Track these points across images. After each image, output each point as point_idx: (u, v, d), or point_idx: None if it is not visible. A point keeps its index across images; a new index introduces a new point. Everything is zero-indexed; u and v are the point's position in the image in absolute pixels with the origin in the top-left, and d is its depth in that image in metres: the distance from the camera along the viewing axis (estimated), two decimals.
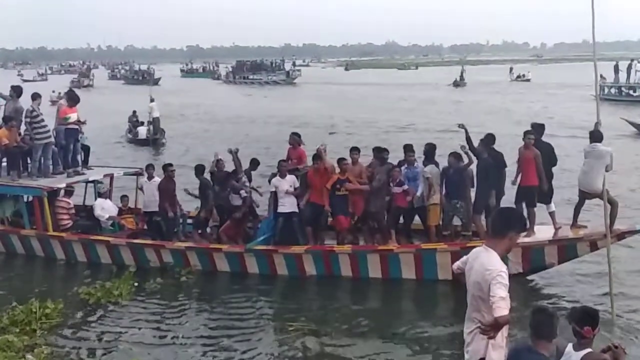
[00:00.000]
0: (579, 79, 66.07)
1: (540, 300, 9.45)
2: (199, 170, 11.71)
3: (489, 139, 10.42)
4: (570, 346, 4.49)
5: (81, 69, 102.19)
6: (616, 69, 42.94)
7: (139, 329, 8.72)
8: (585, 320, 4.43)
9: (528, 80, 69.06)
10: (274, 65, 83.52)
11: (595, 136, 9.36)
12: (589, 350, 4.39)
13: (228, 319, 9.10)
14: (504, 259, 9.53)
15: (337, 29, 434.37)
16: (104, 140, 26.39)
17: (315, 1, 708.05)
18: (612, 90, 41.57)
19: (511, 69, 76.60)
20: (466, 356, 4.70)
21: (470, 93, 53.28)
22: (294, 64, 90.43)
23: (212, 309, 9.50)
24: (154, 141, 25.90)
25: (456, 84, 63.36)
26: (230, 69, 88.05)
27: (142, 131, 26.62)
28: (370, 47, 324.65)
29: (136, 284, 10.12)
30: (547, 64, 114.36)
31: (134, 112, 28.55)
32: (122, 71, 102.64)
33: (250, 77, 79.36)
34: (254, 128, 32.51)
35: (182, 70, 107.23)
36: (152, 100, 26.03)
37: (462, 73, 65.63)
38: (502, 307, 4.19)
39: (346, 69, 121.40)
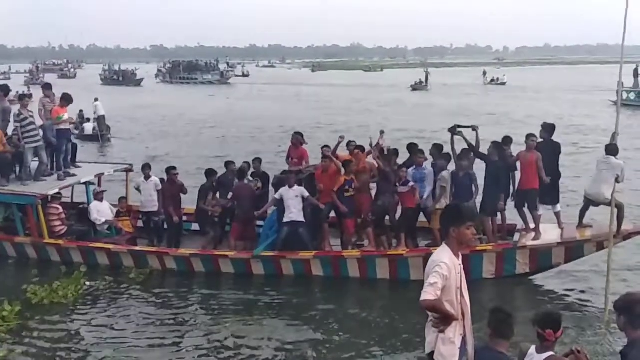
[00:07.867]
0: (558, 81, 66.30)
1: (537, 298, 9.60)
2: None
3: (505, 141, 10.44)
4: (533, 348, 4.56)
5: (31, 69, 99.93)
6: (636, 73, 39.55)
7: (89, 329, 8.79)
8: (548, 323, 4.48)
9: (504, 83, 65.23)
10: (208, 65, 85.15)
11: (611, 149, 9.36)
12: (550, 353, 4.45)
13: (174, 315, 9.15)
14: (513, 261, 9.74)
15: (302, 30, 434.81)
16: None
17: (280, 2, 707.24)
18: (631, 96, 37.90)
19: (485, 72, 72.23)
20: None
21: (441, 96, 50.75)
22: (228, 64, 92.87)
23: (160, 307, 9.55)
24: (102, 137, 27.35)
25: (415, 88, 59.37)
26: (166, 69, 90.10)
27: (88, 127, 28.12)
28: (336, 48, 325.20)
29: (87, 283, 10.11)
30: (509, 67, 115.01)
31: (80, 110, 28.85)
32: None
33: (186, 77, 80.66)
34: (211, 129, 32.83)
35: (159, 70, 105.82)
36: (96, 100, 27.92)
37: (426, 76, 61.47)
38: (427, 292, 4.28)
39: (313, 71, 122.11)
